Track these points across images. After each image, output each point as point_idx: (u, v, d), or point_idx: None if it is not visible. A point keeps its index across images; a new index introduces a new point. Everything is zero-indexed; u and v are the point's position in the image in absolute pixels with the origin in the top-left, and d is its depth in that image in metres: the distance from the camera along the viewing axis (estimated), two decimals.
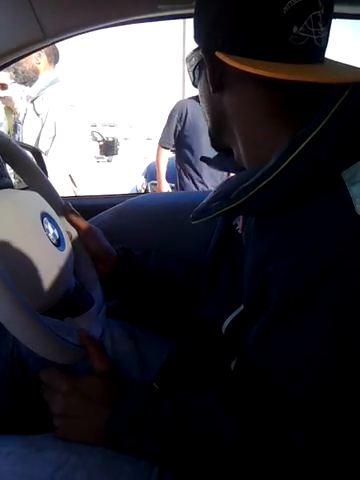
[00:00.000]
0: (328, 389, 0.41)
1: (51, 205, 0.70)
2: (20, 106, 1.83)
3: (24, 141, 1.74)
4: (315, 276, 0.41)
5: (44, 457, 0.52)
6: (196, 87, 0.57)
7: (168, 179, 3.42)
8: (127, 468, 0.52)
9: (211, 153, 0.62)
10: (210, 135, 0.59)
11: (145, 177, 3.75)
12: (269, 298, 0.45)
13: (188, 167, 2.46)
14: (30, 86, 1.76)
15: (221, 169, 0.68)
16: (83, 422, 0.52)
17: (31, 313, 0.48)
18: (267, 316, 0.45)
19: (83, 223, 0.75)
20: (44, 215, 0.65)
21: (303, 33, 0.44)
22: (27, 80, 1.75)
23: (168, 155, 2.69)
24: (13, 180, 0.76)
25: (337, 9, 0.48)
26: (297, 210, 0.45)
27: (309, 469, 0.43)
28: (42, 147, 1.72)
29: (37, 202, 0.67)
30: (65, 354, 0.52)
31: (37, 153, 1.23)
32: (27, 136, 1.79)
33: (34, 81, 1.76)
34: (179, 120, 2.41)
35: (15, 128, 1.86)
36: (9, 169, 0.74)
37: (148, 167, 3.94)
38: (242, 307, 0.54)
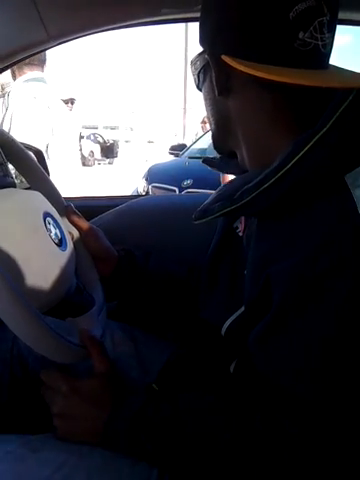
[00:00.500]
0: (326, 388, 0.42)
1: (53, 205, 0.71)
2: None
3: None
4: (317, 278, 0.41)
5: (43, 457, 0.52)
6: (200, 90, 0.57)
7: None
8: (126, 469, 0.52)
9: None
10: (213, 138, 0.60)
11: (146, 179, 3.76)
12: (271, 299, 0.45)
13: None
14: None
15: (224, 172, 0.68)
16: (82, 423, 0.52)
17: (32, 312, 0.48)
18: (268, 317, 0.45)
19: (84, 224, 0.75)
20: (46, 215, 0.65)
21: (309, 39, 0.44)
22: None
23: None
24: (15, 180, 0.76)
25: (341, 15, 0.49)
26: (300, 212, 0.45)
27: (308, 468, 0.43)
28: None
29: (40, 202, 0.67)
30: (65, 353, 0.52)
31: (39, 153, 1.23)
32: None
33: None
34: None
35: None
36: (11, 169, 0.74)
37: (149, 170, 3.94)
38: (242, 309, 0.54)
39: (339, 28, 0.50)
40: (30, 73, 1.85)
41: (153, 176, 3.71)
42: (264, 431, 0.45)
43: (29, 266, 0.57)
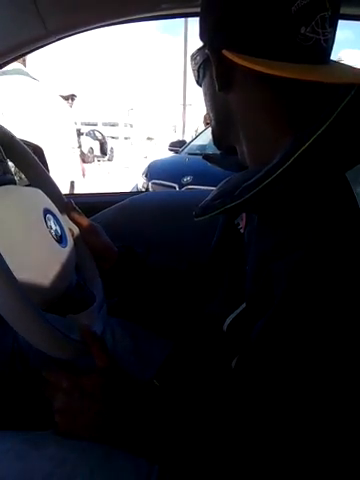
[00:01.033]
0: (328, 384, 0.41)
1: (53, 202, 0.70)
2: None
3: None
4: (318, 273, 0.41)
5: (44, 454, 0.52)
6: (200, 86, 0.57)
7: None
8: (127, 465, 0.52)
9: None
10: (213, 134, 0.59)
11: (146, 176, 3.75)
12: (272, 296, 0.45)
13: None
14: None
15: (224, 168, 0.68)
16: (83, 419, 0.52)
17: (33, 308, 0.48)
18: (270, 313, 0.45)
19: (85, 220, 0.75)
20: (47, 212, 0.65)
21: (310, 34, 0.44)
22: None
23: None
24: (15, 177, 0.76)
25: (342, 10, 0.48)
26: (301, 208, 0.45)
27: (308, 468, 0.43)
28: None
29: (40, 199, 0.67)
30: (66, 349, 0.53)
31: (38, 150, 1.23)
32: None
33: None
34: None
35: None
36: (11, 166, 0.74)
37: (149, 166, 3.94)
38: (244, 305, 0.54)
39: (339, 23, 0.50)
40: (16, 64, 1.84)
41: (153, 173, 3.70)
42: (263, 430, 0.45)
43: (29, 263, 0.57)
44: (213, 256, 0.67)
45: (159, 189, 3.42)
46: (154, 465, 0.52)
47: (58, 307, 0.61)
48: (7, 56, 0.89)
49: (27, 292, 0.48)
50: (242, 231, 0.62)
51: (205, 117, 4.22)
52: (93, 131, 13.77)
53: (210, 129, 0.60)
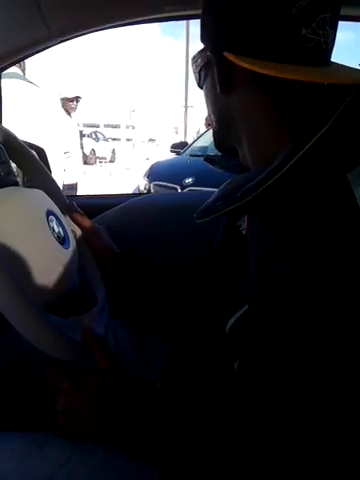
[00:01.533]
0: (330, 386, 0.41)
1: (56, 204, 0.71)
2: None
3: None
4: (321, 275, 0.41)
5: (47, 454, 0.52)
6: (201, 88, 0.57)
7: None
8: (129, 466, 0.52)
9: None
10: (215, 136, 0.60)
11: (147, 177, 3.75)
12: (274, 298, 0.45)
13: None
14: None
15: (225, 170, 0.68)
16: (85, 420, 0.52)
17: (34, 310, 0.48)
18: (272, 315, 0.45)
19: (87, 222, 0.76)
20: (49, 213, 0.65)
21: (311, 35, 0.44)
22: None
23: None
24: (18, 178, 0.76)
25: (342, 11, 0.48)
26: (302, 210, 0.45)
27: (309, 468, 0.43)
28: None
29: (42, 200, 0.67)
30: (67, 350, 0.53)
31: (41, 151, 1.23)
32: None
33: None
34: None
35: None
36: (14, 167, 0.74)
37: (151, 168, 3.94)
38: (246, 307, 0.54)
39: (340, 25, 0.50)
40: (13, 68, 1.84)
41: (154, 174, 3.71)
42: (263, 430, 0.45)
43: (32, 264, 0.57)
44: (215, 258, 0.67)
45: (161, 191, 3.42)
46: (156, 467, 0.52)
47: (60, 308, 0.62)
48: (9, 58, 0.90)
49: (29, 293, 0.48)
50: (244, 233, 0.62)
51: (207, 119, 4.23)
52: (95, 133, 13.81)
53: (211, 131, 0.60)
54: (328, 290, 0.41)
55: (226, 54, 0.47)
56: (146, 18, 0.92)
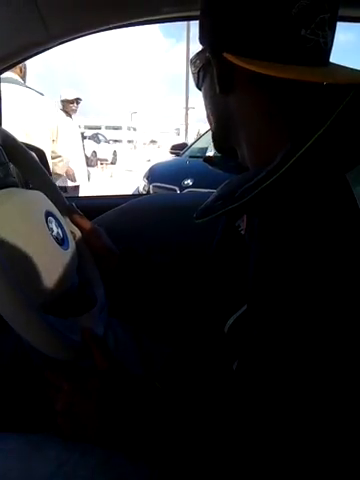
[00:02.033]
0: (331, 386, 0.41)
1: (55, 205, 0.71)
2: None
3: None
4: (320, 276, 0.41)
5: (46, 455, 0.52)
6: (200, 89, 0.57)
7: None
8: (128, 467, 0.52)
9: None
10: (214, 137, 0.60)
11: (147, 179, 3.75)
12: (274, 297, 0.45)
13: None
14: None
15: (224, 170, 0.69)
16: (84, 421, 0.52)
17: (33, 310, 0.48)
18: (271, 315, 0.45)
19: (86, 223, 0.76)
20: (48, 214, 0.65)
21: (310, 35, 0.44)
22: None
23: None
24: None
25: (341, 12, 0.49)
26: (301, 210, 0.45)
27: (309, 469, 0.43)
28: None
29: (41, 201, 0.68)
30: (66, 351, 0.53)
31: (41, 153, 1.24)
32: None
33: None
34: None
35: None
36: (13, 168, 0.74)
37: (150, 169, 3.94)
38: (245, 307, 0.54)
39: (341, 26, 0.50)
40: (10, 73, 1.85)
41: (154, 175, 3.71)
42: (262, 430, 0.45)
43: (31, 265, 0.57)
44: (214, 258, 0.67)
45: (160, 192, 3.42)
46: (155, 467, 0.52)
47: (59, 309, 0.62)
48: (9, 60, 0.90)
49: (28, 294, 0.48)
50: (243, 233, 0.62)
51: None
52: (96, 135, 13.83)
53: (211, 132, 0.60)
54: (328, 290, 0.41)
55: (225, 54, 0.47)
56: (145, 19, 0.92)
